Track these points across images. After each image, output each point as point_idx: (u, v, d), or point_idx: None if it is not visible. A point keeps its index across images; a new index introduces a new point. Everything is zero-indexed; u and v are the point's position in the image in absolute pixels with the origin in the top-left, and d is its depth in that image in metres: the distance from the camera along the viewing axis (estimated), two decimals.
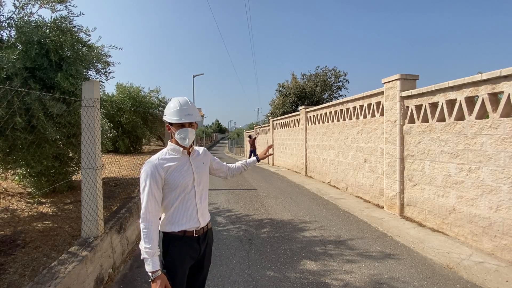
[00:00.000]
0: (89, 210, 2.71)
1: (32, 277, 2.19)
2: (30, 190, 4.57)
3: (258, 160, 2.07)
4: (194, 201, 1.59)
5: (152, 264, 1.39)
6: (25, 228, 3.25)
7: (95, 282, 2.48)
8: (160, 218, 1.56)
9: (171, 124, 1.57)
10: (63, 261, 2.28)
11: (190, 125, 1.56)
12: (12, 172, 4.28)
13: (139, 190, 1.70)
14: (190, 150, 1.63)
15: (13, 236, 3.03)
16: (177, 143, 1.58)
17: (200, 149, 1.77)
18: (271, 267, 3.04)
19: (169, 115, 1.55)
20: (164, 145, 10.07)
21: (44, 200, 4.36)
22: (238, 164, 2.03)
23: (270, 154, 2.14)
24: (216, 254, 3.36)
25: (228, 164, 1.99)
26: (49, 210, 3.94)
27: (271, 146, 2.17)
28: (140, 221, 1.45)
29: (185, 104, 1.55)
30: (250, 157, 15.15)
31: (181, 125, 1.55)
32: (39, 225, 3.39)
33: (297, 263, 3.12)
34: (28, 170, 4.13)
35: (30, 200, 4.31)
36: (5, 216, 3.63)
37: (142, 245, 1.42)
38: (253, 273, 2.92)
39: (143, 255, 1.40)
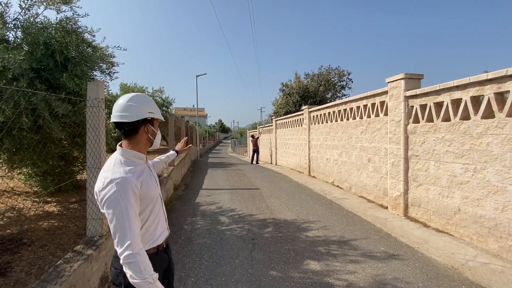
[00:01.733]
0: (94, 209, 2.73)
1: (38, 275, 2.22)
2: (36, 189, 4.62)
3: (177, 152, 2.08)
4: (162, 210, 1.43)
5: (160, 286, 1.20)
6: (31, 227, 3.30)
7: (100, 280, 2.51)
8: None
9: (151, 122, 1.34)
10: (69, 260, 2.30)
11: None
12: (19, 171, 4.34)
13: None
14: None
15: (19, 234, 3.07)
16: (139, 149, 1.33)
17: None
18: (275, 267, 3.04)
19: (157, 111, 1.36)
20: (168, 144, 10.09)
21: (49, 199, 4.41)
22: (161, 157, 1.95)
23: (185, 149, 2.16)
24: (220, 254, 3.37)
25: (152, 161, 1.80)
26: (55, 209, 3.98)
27: (189, 146, 2.23)
28: (130, 252, 1.12)
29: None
30: (252, 156, 15.22)
31: (155, 126, 1.37)
32: (45, 224, 3.43)
33: (301, 263, 3.12)
34: (34, 169, 4.18)
35: (36, 199, 4.36)
36: (12, 214, 3.68)
37: (138, 276, 1.13)
38: (256, 272, 2.93)
39: (144, 286, 1.14)
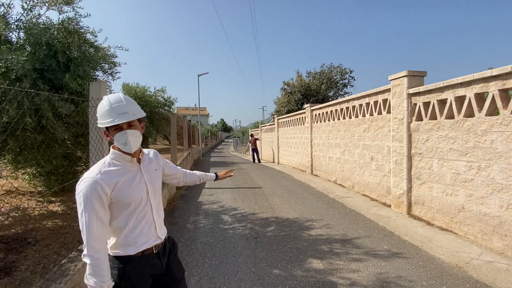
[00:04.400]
0: None
1: (43, 274, 2.24)
2: (40, 189, 4.66)
3: (217, 177, 1.91)
4: (151, 215, 1.36)
5: None
6: (36, 226, 3.32)
7: None
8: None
9: (106, 129, 1.28)
10: (73, 259, 2.32)
11: (130, 125, 1.27)
12: (23, 171, 4.37)
13: None
14: (140, 156, 1.38)
15: (24, 234, 3.09)
16: (120, 150, 1.30)
17: (151, 152, 1.51)
18: (277, 266, 3.04)
19: (99, 118, 1.26)
20: (170, 144, 10.10)
21: (53, 199, 4.44)
22: (196, 172, 1.84)
23: (230, 176, 1.99)
24: (223, 253, 3.38)
25: (184, 170, 1.78)
26: (59, 209, 4.01)
27: (231, 170, 2.02)
28: (85, 253, 1.14)
29: (117, 101, 1.25)
30: (252, 156, 15.26)
31: (118, 128, 1.25)
32: (49, 223, 3.46)
33: (303, 262, 3.11)
34: (38, 169, 4.21)
35: (40, 198, 4.40)
36: (17, 214, 3.71)
37: (91, 280, 1.14)
38: (259, 271, 2.93)
39: None
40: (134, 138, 1.27)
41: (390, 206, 5.22)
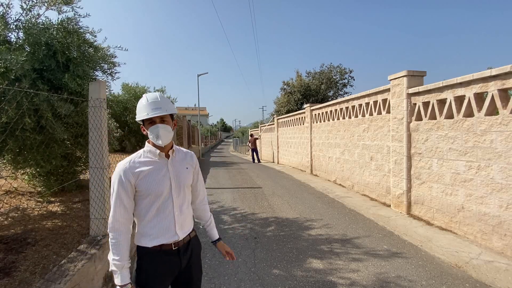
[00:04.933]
0: (97, 208, 2.74)
1: (43, 274, 2.23)
2: (39, 189, 4.65)
3: (216, 242, 1.67)
4: (172, 211, 1.39)
5: (121, 277, 1.26)
6: (35, 227, 3.32)
7: (103, 279, 2.52)
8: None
9: (143, 123, 1.40)
10: (73, 259, 2.31)
11: (162, 121, 1.37)
12: (22, 171, 4.37)
13: None
14: (169, 152, 1.43)
15: (23, 234, 3.09)
16: (154, 144, 1.40)
17: (189, 153, 1.55)
18: (277, 265, 3.04)
19: (138, 113, 1.39)
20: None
21: (53, 199, 4.44)
22: (209, 214, 1.70)
23: (227, 257, 1.66)
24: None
25: (205, 197, 1.67)
26: (58, 209, 4.01)
27: (232, 256, 1.67)
28: (108, 230, 1.32)
29: (153, 98, 1.37)
30: (252, 156, 15.27)
31: (152, 122, 1.36)
32: (49, 223, 3.45)
33: (303, 262, 3.11)
34: (37, 169, 4.21)
35: (39, 199, 4.39)
36: (16, 214, 3.71)
37: (110, 257, 1.29)
38: (259, 271, 2.93)
39: (111, 267, 1.28)
40: (165, 132, 1.36)
41: (390, 206, 5.22)
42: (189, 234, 1.48)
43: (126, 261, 1.30)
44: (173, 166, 1.42)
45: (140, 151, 1.42)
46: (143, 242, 1.37)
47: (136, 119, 1.40)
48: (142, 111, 1.37)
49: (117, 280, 1.27)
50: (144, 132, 1.40)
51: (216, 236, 1.69)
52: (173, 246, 1.39)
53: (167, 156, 1.42)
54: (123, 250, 1.30)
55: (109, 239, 1.30)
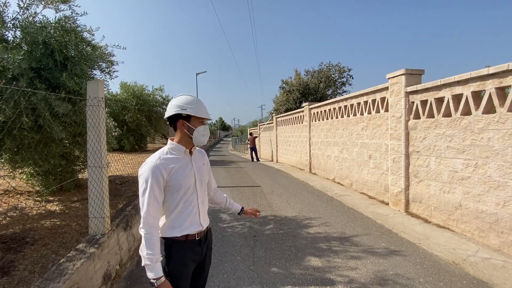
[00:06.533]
0: (95, 207, 2.74)
1: (42, 273, 2.23)
2: (38, 188, 4.64)
3: (242, 210, 1.82)
4: (196, 203, 1.51)
5: (155, 271, 1.31)
6: (34, 226, 3.32)
7: (102, 278, 2.53)
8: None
9: (187, 119, 1.44)
10: (71, 258, 2.31)
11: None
12: (20, 171, 4.35)
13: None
14: (192, 150, 1.53)
15: (22, 233, 3.09)
16: (179, 142, 1.47)
17: (201, 151, 1.67)
18: (276, 264, 3.05)
19: (194, 109, 1.43)
20: None
21: (51, 198, 4.43)
22: (224, 194, 1.84)
23: (256, 215, 1.86)
24: (221, 251, 3.39)
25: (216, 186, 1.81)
26: (57, 208, 4.00)
27: (258, 212, 1.87)
28: (141, 226, 1.34)
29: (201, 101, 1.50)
30: (251, 154, 15.28)
31: (201, 122, 1.47)
32: (47, 222, 3.45)
33: (302, 260, 3.13)
34: (36, 168, 4.20)
35: (38, 198, 4.38)
36: (14, 214, 3.70)
37: (144, 251, 1.32)
38: (258, 269, 2.94)
39: (145, 261, 1.31)
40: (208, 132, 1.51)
41: (388, 204, 5.24)
42: (207, 226, 1.59)
43: (159, 255, 1.34)
44: (195, 162, 1.54)
45: (165, 149, 1.48)
46: (172, 233, 1.44)
47: (194, 114, 1.42)
48: (201, 110, 1.45)
49: (151, 274, 1.30)
50: (184, 128, 1.44)
51: (239, 207, 1.84)
52: (196, 236, 1.50)
53: (191, 153, 1.52)
54: (156, 244, 1.34)
55: (143, 234, 1.33)
